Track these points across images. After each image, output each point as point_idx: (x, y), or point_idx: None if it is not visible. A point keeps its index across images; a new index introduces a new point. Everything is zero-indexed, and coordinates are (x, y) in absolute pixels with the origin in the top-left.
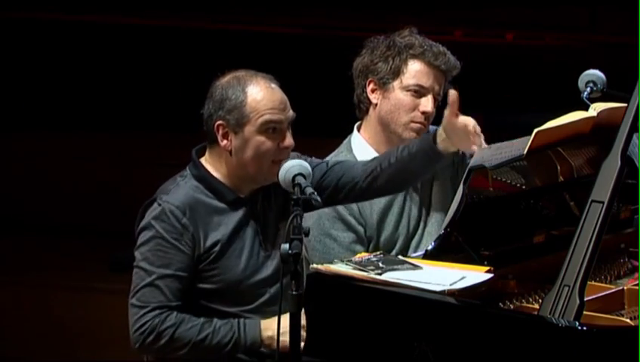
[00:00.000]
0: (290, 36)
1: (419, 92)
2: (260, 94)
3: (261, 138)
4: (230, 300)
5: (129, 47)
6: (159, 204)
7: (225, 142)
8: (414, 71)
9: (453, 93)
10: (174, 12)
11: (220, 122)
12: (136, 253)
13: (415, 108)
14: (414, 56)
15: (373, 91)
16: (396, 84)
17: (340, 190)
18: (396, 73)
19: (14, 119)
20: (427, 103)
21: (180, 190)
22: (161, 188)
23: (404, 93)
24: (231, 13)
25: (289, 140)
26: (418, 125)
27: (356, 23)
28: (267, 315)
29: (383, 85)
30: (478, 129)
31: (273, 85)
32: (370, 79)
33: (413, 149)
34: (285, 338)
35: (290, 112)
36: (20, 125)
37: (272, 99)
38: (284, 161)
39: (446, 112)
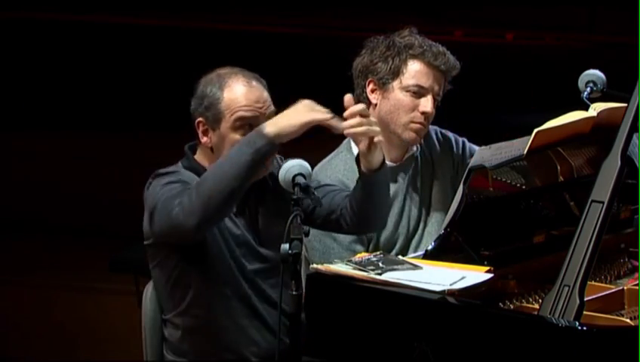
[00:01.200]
0: (290, 36)
1: (418, 92)
2: (236, 92)
3: (236, 135)
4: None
5: (129, 47)
6: (165, 172)
7: (205, 138)
8: (414, 71)
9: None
10: (174, 12)
11: (199, 119)
12: (150, 198)
13: (415, 108)
14: (414, 57)
15: (372, 91)
16: (396, 84)
17: (318, 215)
18: (396, 73)
19: (14, 119)
20: (427, 103)
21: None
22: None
23: (404, 94)
24: (231, 13)
25: None
26: (418, 125)
27: (356, 23)
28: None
29: (382, 85)
30: (354, 108)
31: (254, 82)
32: (369, 79)
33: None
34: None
35: (270, 109)
36: (20, 125)
37: (248, 97)
38: (284, 161)
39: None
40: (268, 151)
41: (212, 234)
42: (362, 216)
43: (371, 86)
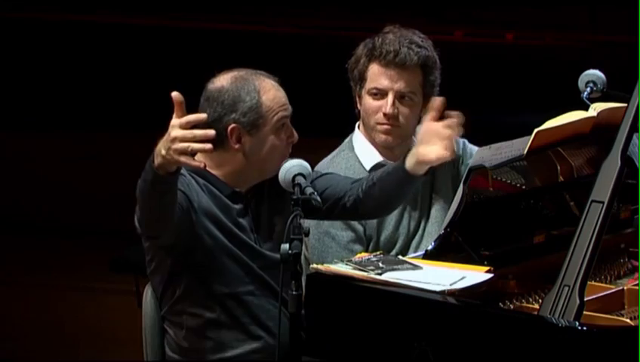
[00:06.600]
0: (290, 36)
1: (378, 94)
2: (272, 94)
3: (277, 136)
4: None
5: (128, 47)
6: None
7: (238, 145)
8: (372, 74)
9: (438, 100)
10: (174, 12)
11: (233, 125)
12: None
13: (378, 110)
14: (371, 59)
15: (358, 97)
16: (364, 89)
17: (323, 203)
18: (363, 79)
19: (14, 119)
20: (386, 105)
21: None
22: None
23: (368, 97)
24: (231, 13)
25: (296, 134)
26: (384, 127)
27: (356, 23)
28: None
29: (359, 91)
30: (450, 134)
31: (275, 82)
32: (353, 86)
33: (388, 169)
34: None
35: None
36: (20, 125)
37: (281, 97)
38: (285, 160)
39: (425, 117)
40: (155, 179)
41: (205, 235)
42: (384, 203)
43: (356, 92)
